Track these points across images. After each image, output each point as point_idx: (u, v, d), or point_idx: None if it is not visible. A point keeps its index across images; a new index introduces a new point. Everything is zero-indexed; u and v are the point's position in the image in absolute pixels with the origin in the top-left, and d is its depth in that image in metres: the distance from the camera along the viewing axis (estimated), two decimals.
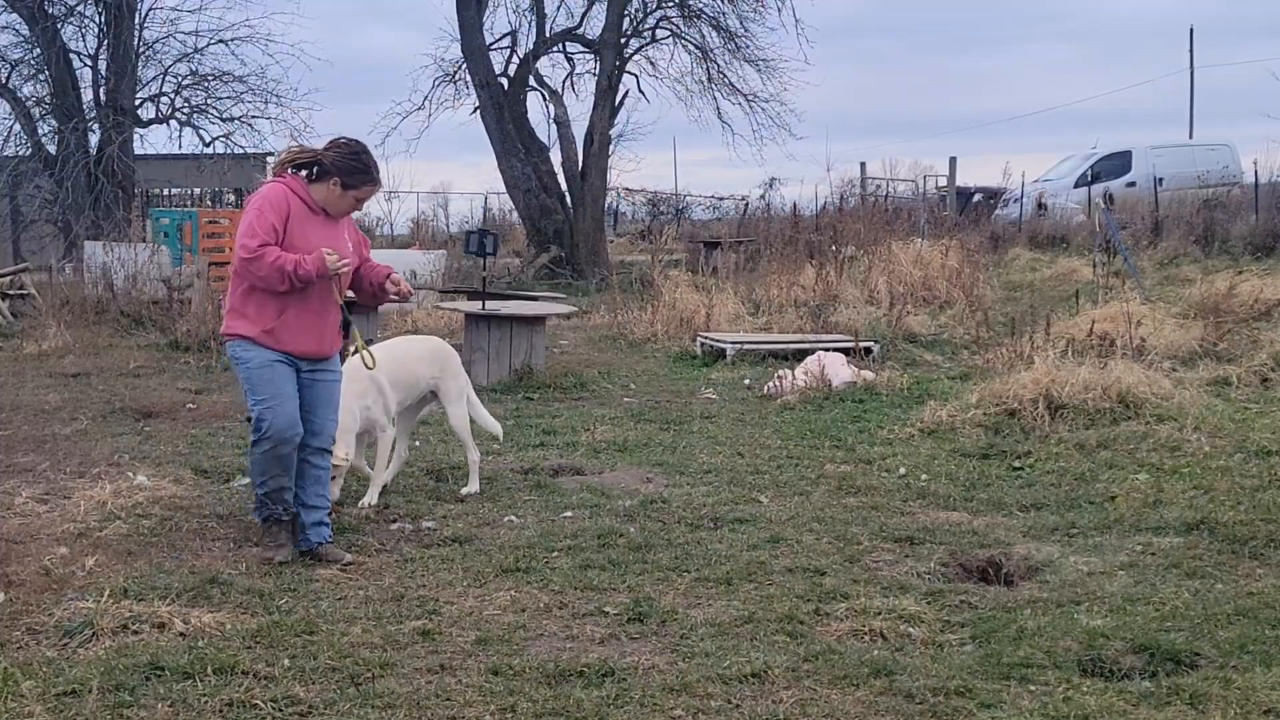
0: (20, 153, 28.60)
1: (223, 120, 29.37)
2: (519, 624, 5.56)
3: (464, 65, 28.31)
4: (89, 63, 28.77)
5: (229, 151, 29.54)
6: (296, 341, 6.50)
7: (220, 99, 29.38)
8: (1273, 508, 7.20)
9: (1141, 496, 7.57)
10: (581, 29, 28.99)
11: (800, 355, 12.91)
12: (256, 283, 6.37)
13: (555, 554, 6.61)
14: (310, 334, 6.55)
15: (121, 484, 7.98)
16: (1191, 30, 50.45)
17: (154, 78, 29.50)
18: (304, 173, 6.56)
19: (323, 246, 6.38)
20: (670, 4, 28.63)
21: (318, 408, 6.66)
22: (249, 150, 29.87)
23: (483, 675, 4.92)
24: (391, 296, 6.86)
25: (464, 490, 8.03)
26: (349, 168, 6.50)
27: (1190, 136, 41.99)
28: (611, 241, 33.78)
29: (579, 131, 27.92)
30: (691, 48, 28.87)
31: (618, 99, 27.98)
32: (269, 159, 31.09)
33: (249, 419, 6.59)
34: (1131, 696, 4.65)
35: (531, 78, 28.38)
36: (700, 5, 28.60)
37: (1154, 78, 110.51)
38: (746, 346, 14.06)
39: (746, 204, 40.87)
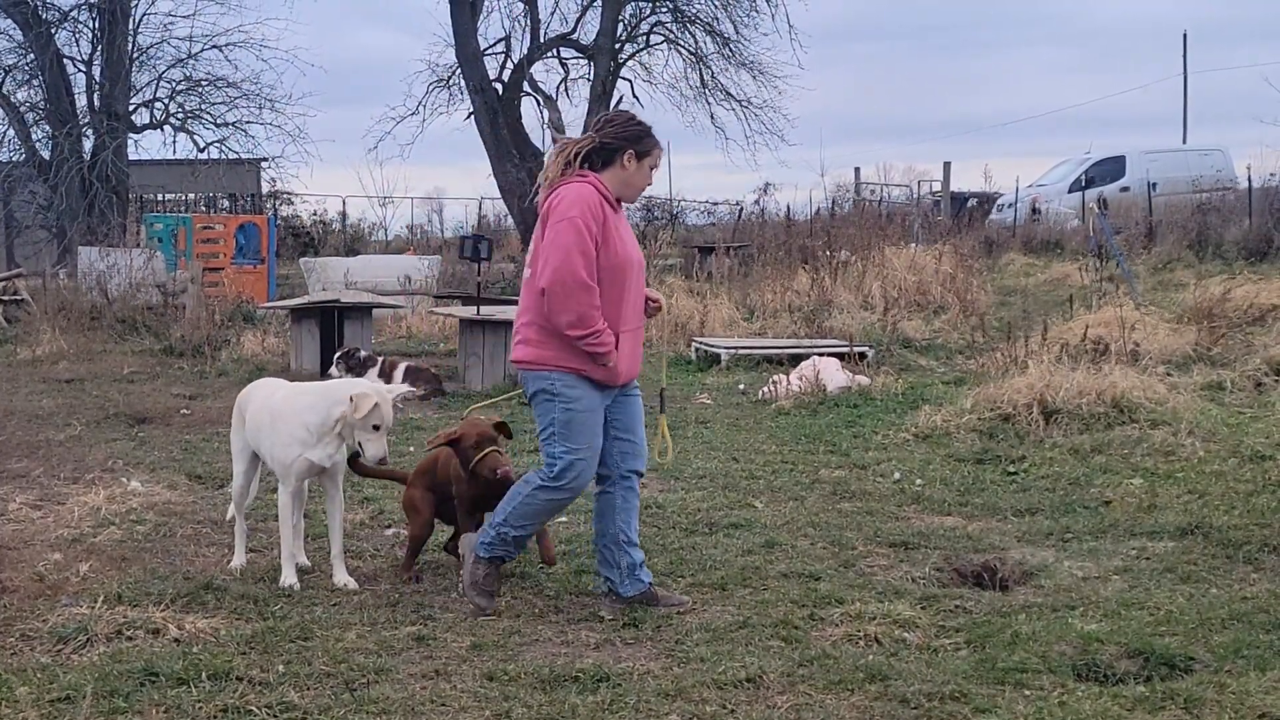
0: (14, 158, 28.61)
1: (217, 125, 29.42)
2: (514, 629, 5.55)
3: (458, 70, 28.37)
4: (83, 68, 28.82)
5: (223, 157, 29.55)
6: (629, 367, 5.77)
7: (214, 104, 29.43)
8: (1267, 512, 7.21)
9: (1136, 501, 7.58)
10: (576, 34, 29.05)
11: (795, 360, 12.91)
12: (557, 313, 5.54)
13: None
14: (638, 355, 5.86)
15: (115, 489, 7.97)
16: (1185, 35, 50.42)
17: (148, 83, 29.57)
18: (587, 165, 5.75)
19: (626, 244, 5.72)
20: (664, 9, 28.71)
21: (636, 425, 5.92)
22: (243, 155, 29.90)
23: (477, 680, 4.91)
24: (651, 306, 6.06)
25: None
26: (635, 134, 5.77)
27: (1184, 141, 42.07)
28: None
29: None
30: (685, 52, 28.98)
31: (612, 104, 28.02)
32: (263, 164, 31.18)
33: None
34: (1126, 701, 4.66)
35: (526, 83, 28.46)
36: (694, 10, 28.69)
37: (1148, 82, 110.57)
38: (741, 351, 14.06)
39: (741, 209, 40.88)
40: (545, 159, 5.89)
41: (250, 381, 6.99)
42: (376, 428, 6.03)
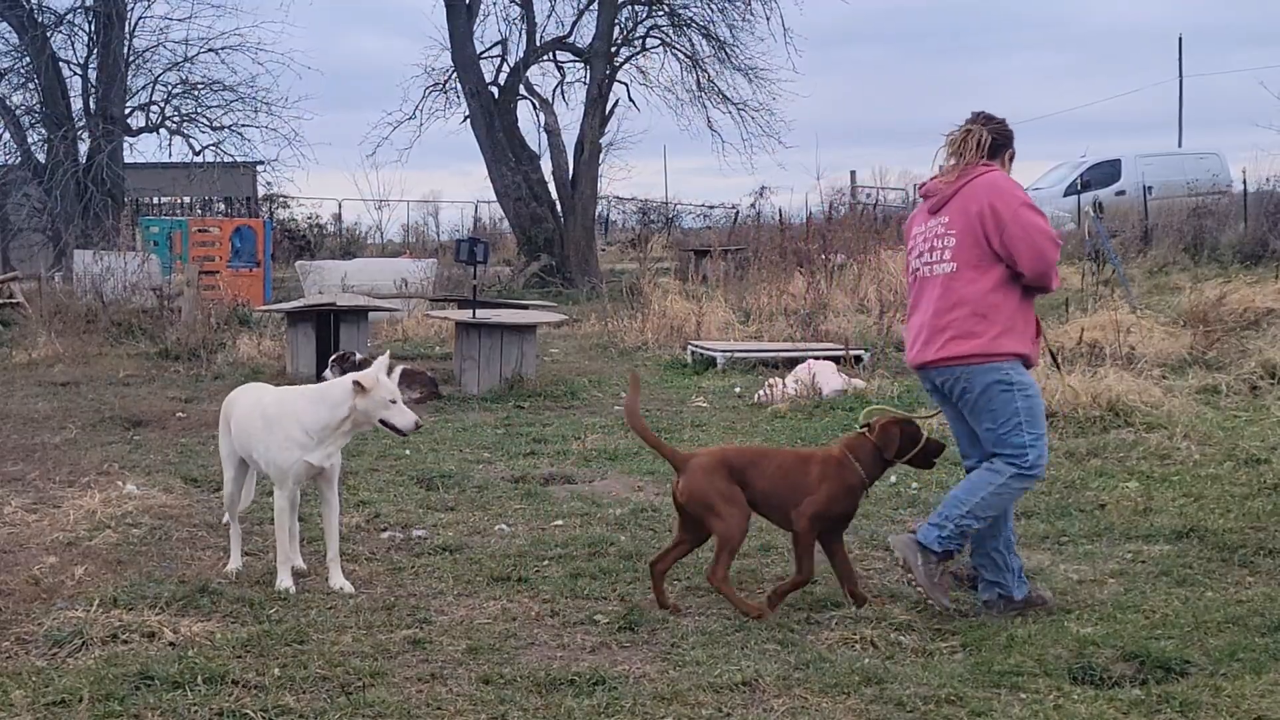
0: (9, 161, 28.60)
1: (212, 129, 29.45)
2: (510, 633, 5.55)
3: (454, 74, 28.36)
4: (78, 71, 28.82)
5: (219, 160, 29.56)
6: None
7: (210, 107, 29.48)
8: (1262, 515, 7.22)
9: (1131, 504, 7.58)
10: (572, 38, 29.06)
11: (791, 363, 12.91)
12: (1036, 280, 5.59)
13: (546, 563, 6.60)
14: None
15: (111, 493, 7.97)
16: (1180, 39, 50.42)
17: (144, 86, 29.61)
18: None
19: None
20: (660, 13, 28.71)
21: None
22: (239, 159, 29.91)
23: (474, 684, 4.91)
24: None
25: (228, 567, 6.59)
26: (1012, 135, 5.88)
27: (1179, 145, 42.11)
28: (602, 250, 33.83)
29: (569, 140, 27.98)
30: (681, 56, 29.00)
31: (608, 107, 28.04)
32: (259, 167, 31.20)
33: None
34: (1122, 704, 4.66)
35: (522, 86, 28.44)
36: (690, 14, 28.70)
37: (1143, 86, 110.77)
38: (737, 355, 14.07)
39: (737, 212, 40.95)
40: (938, 153, 5.82)
41: (240, 386, 6.98)
42: (393, 401, 6.07)
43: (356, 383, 6.05)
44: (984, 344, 5.59)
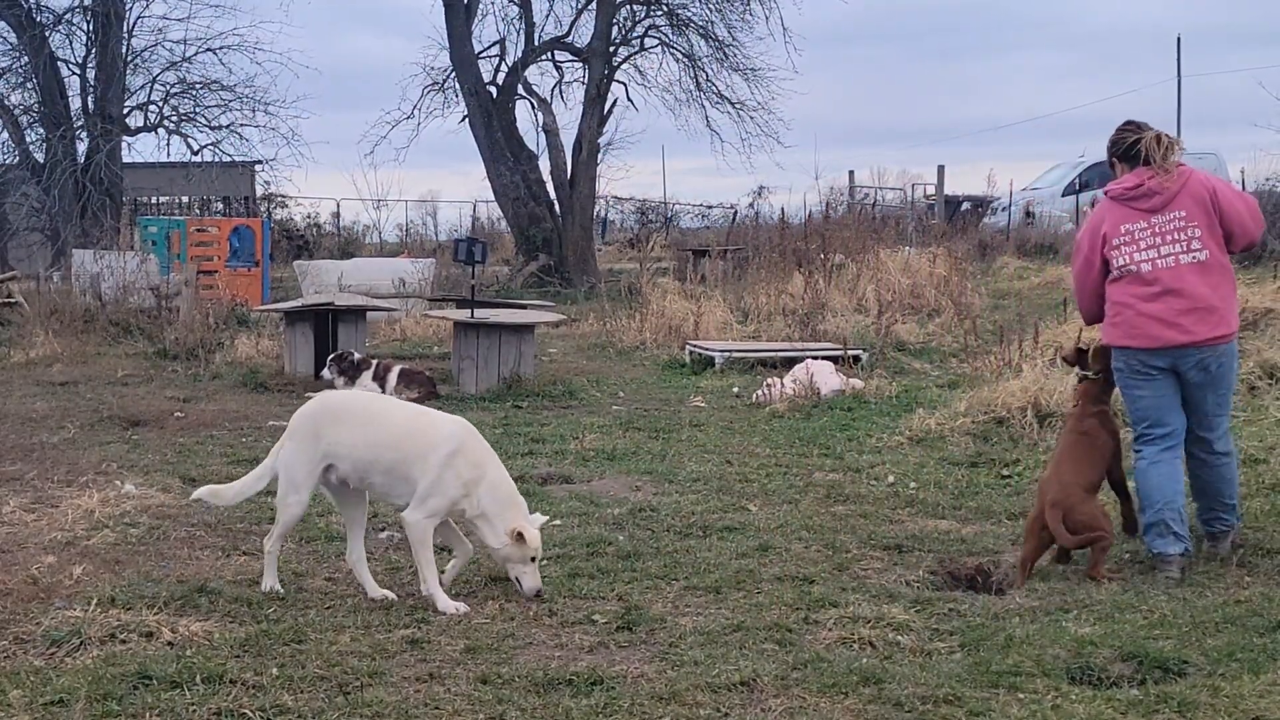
0: (8, 161, 28.59)
1: (211, 128, 29.41)
2: (508, 632, 5.55)
3: (453, 74, 28.35)
4: (77, 71, 28.80)
5: (217, 160, 29.55)
6: None
7: (208, 107, 29.45)
8: (1260, 515, 7.23)
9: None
10: (570, 37, 29.03)
11: (789, 363, 12.91)
12: (1246, 249, 6.53)
13: (544, 562, 6.59)
14: None
15: (109, 492, 7.96)
16: (1179, 39, 50.31)
17: (142, 86, 29.59)
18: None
19: None
20: (659, 12, 28.69)
21: None
22: (237, 158, 29.90)
23: (471, 684, 4.91)
24: None
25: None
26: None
27: None
28: (600, 249, 33.80)
29: (568, 140, 27.96)
30: (680, 56, 28.96)
31: (606, 107, 28.02)
32: (257, 167, 31.20)
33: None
34: (1120, 704, 4.66)
35: (520, 86, 28.42)
36: (689, 14, 28.67)
37: (1141, 86, 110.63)
38: (735, 355, 14.07)
39: (735, 212, 40.96)
40: (1159, 153, 6.68)
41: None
42: (533, 559, 6.06)
43: (521, 533, 5.99)
44: (1236, 321, 6.36)
